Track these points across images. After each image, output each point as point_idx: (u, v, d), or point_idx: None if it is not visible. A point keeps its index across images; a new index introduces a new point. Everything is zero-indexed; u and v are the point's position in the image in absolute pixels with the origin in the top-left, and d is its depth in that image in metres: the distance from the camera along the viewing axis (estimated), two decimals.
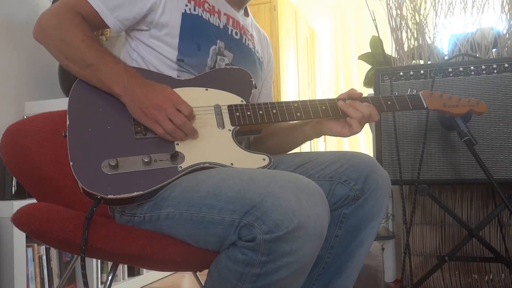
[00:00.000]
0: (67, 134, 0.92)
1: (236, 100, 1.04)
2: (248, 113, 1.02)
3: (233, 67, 1.12)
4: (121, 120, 0.96)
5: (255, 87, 1.09)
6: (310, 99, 1.10)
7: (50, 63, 2.18)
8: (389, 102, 1.11)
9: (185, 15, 1.08)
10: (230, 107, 1.02)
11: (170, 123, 0.92)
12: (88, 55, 0.96)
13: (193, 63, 1.07)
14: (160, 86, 0.97)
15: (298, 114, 1.04)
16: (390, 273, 1.97)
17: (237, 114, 1.01)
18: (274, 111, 1.03)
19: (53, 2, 2.03)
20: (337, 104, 1.06)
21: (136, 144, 0.93)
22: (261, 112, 1.02)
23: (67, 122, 0.93)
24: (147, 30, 1.07)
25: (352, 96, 1.08)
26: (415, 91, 1.18)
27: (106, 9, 1.03)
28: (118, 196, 0.86)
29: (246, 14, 1.27)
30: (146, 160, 0.90)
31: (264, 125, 1.06)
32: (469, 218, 1.78)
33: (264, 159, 0.96)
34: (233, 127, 1.00)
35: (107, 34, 2.29)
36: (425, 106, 1.15)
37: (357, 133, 1.06)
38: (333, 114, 1.06)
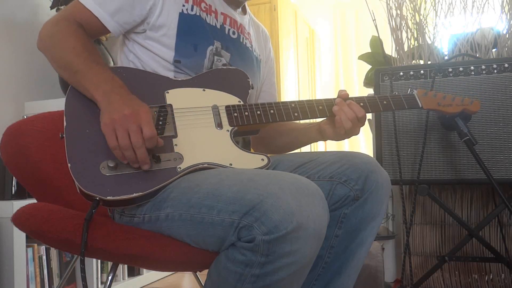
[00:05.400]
0: (64, 135, 0.91)
1: (233, 100, 1.04)
2: (246, 113, 1.02)
3: (230, 67, 1.11)
4: None
5: (252, 88, 1.09)
6: (309, 99, 1.10)
7: None
8: (384, 102, 1.12)
9: (182, 15, 1.07)
10: (228, 108, 1.02)
11: (127, 138, 0.85)
12: (75, 61, 0.95)
13: (189, 64, 1.07)
14: (138, 102, 0.91)
15: (296, 114, 1.05)
16: (390, 273, 1.97)
17: (235, 114, 1.01)
18: (272, 111, 1.04)
19: (52, 3, 2.04)
20: (334, 104, 1.07)
21: None
22: (258, 112, 1.03)
23: (64, 124, 0.93)
24: (143, 31, 1.07)
25: (341, 97, 1.08)
26: (409, 90, 1.18)
27: (106, 14, 1.03)
28: (117, 198, 0.86)
29: (244, 11, 1.27)
30: None
31: (261, 125, 1.06)
32: (469, 218, 1.78)
33: (262, 159, 0.96)
34: (231, 127, 1.00)
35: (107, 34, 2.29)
36: (420, 105, 1.15)
37: (353, 134, 1.07)
38: (330, 114, 1.07)
